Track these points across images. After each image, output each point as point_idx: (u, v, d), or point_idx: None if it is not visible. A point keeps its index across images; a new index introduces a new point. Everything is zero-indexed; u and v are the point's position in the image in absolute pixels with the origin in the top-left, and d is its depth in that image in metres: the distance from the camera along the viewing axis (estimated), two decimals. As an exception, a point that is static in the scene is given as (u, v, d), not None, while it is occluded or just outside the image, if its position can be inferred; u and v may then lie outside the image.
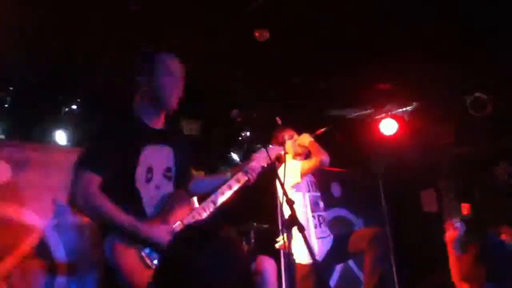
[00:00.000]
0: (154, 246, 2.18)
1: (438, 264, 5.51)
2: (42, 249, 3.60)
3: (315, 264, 2.12)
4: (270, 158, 2.63)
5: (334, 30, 4.31)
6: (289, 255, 2.15)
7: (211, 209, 2.44)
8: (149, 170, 2.36)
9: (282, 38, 4.37)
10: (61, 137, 4.45)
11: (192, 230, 1.59)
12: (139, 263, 2.16)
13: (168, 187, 2.43)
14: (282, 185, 2.31)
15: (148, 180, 2.35)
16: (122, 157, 2.27)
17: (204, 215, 2.41)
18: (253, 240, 4.94)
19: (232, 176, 2.61)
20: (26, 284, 3.50)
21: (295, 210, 2.17)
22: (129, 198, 2.28)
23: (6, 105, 4.33)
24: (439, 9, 4.11)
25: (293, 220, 2.13)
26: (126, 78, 2.47)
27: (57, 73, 4.47)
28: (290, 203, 2.19)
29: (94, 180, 2.19)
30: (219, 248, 1.37)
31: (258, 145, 2.77)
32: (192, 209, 2.42)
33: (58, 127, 4.53)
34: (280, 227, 4.53)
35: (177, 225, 2.33)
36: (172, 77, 2.42)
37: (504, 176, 5.31)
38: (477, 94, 5.21)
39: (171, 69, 2.42)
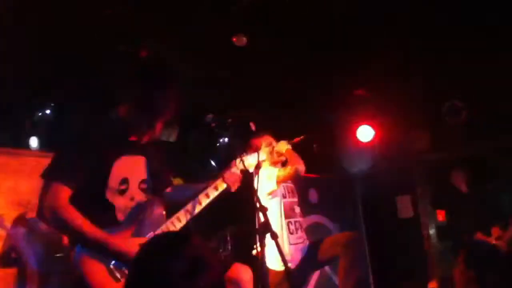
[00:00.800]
0: (124, 260, 2.10)
1: (414, 270, 5.57)
2: (12, 257, 3.51)
3: (288, 271, 2.10)
4: (244, 167, 2.60)
5: (311, 33, 4.35)
6: (262, 262, 2.12)
7: (187, 219, 2.38)
8: (124, 181, 2.29)
9: (260, 42, 4.39)
10: (33, 141, 4.37)
11: (162, 238, 1.56)
12: (108, 276, 2.10)
13: (143, 197, 2.38)
14: (254, 192, 2.30)
15: (122, 192, 2.28)
16: (93, 167, 2.18)
17: (179, 225, 2.35)
18: (229, 247, 4.91)
19: (210, 184, 2.54)
20: None
21: (267, 217, 2.16)
22: (101, 208, 2.21)
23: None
24: (414, 15, 4.17)
25: (266, 227, 2.13)
26: (120, 86, 2.43)
27: (31, 76, 4.40)
28: (263, 210, 2.18)
29: (63, 191, 2.10)
30: (190, 255, 1.34)
31: (236, 152, 2.70)
32: (166, 219, 2.36)
33: (31, 132, 4.44)
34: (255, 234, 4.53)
35: (150, 236, 2.28)
36: (173, 92, 2.35)
37: (462, 186, 5.37)
38: (452, 101, 5.29)
39: (173, 87, 2.36)
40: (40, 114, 4.48)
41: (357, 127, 5.82)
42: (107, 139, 2.25)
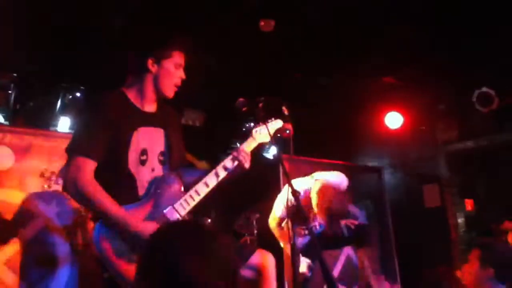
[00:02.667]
0: (139, 242, 2.11)
1: (440, 259, 5.50)
2: (44, 235, 3.59)
3: (320, 258, 2.09)
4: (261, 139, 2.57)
5: (339, 20, 4.30)
6: (292, 246, 2.10)
7: (197, 198, 2.37)
8: (143, 152, 2.31)
9: (286, 31, 4.36)
10: (64, 124, 4.44)
11: (176, 225, 1.56)
12: (125, 255, 2.13)
13: (160, 170, 2.38)
14: (285, 172, 2.26)
15: (143, 162, 2.29)
16: (113, 140, 2.21)
17: (192, 203, 2.34)
18: (255, 230, 4.94)
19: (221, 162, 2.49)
20: (29, 269, 3.50)
21: (299, 202, 2.15)
22: (122, 181, 2.23)
23: (9, 91, 4.31)
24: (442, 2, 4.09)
25: (298, 211, 2.11)
26: (131, 56, 2.41)
27: (61, 60, 4.47)
28: (295, 194, 2.16)
29: (86, 165, 2.13)
30: (204, 244, 1.33)
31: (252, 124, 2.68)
32: (183, 194, 2.35)
33: (62, 114, 4.52)
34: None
35: (168, 210, 2.29)
36: (178, 70, 2.40)
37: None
38: (483, 89, 5.18)
39: (179, 62, 2.41)
40: (70, 96, 4.54)
41: (386, 114, 5.74)
42: (121, 112, 2.28)
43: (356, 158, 5.89)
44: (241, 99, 2.55)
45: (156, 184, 2.30)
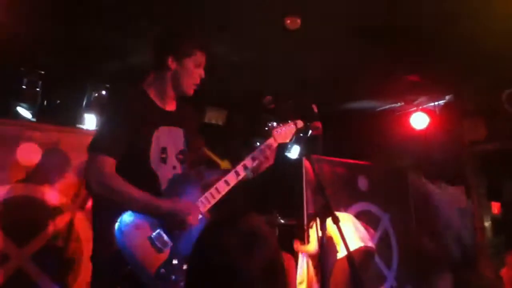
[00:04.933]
0: (175, 220, 2.14)
1: (466, 261, 5.40)
2: (70, 231, 3.63)
3: (349, 257, 2.04)
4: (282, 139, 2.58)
5: (363, 19, 4.24)
6: (322, 248, 2.04)
7: (218, 196, 2.37)
8: (163, 150, 2.32)
9: (313, 27, 4.31)
10: (90, 121, 4.48)
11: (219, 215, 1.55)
12: (150, 247, 2.12)
13: (181, 169, 2.39)
14: (312, 165, 2.21)
15: (164, 160, 2.31)
16: (134, 138, 2.22)
17: (213, 201, 2.35)
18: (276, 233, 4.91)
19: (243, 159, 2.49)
20: (54, 264, 3.55)
21: (328, 199, 2.10)
22: (145, 179, 2.23)
23: (37, 89, 4.37)
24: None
25: (327, 210, 2.06)
26: (152, 53, 2.41)
27: (86, 59, 4.51)
28: (323, 191, 2.12)
29: (107, 162, 2.14)
30: (246, 229, 1.33)
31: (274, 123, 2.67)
32: (203, 191, 2.35)
33: (87, 111, 4.56)
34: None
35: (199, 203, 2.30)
36: (198, 69, 2.41)
37: None
38: (512, 89, 5.07)
39: (199, 61, 2.41)
40: (96, 94, 4.58)
41: (411, 114, 5.66)
42: (143, 109, 2.29)
43: (381, 159, 5.81)
44: (268, 97, 2.52)
45: (176, 181, 2.32)
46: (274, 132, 2.59)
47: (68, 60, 4.50)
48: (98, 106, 4.61)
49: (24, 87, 4.34)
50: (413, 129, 5.73)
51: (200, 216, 2.26)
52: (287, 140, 2.62)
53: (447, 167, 5.95)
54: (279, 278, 1.33)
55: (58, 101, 4.67)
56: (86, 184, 2.21)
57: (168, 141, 2.34)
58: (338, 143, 5.16)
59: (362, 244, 4.09)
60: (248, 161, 2.46)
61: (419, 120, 5.67)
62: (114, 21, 3.99)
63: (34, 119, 4.24)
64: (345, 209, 5.33)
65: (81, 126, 4.48)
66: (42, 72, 4.44)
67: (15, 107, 4.36)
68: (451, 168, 5.95)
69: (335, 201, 5.21)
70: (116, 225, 2.10)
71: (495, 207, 5.82)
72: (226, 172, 2.42)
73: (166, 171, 2.30)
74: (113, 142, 2.17)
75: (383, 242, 5.61)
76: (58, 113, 4.59)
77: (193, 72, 2.38)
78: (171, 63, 2.34)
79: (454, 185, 5.96)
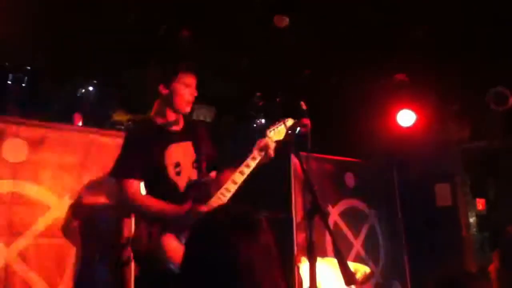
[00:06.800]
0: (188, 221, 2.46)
1: (451, 259, 5.47)
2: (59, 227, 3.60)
3: (339, 256, 2.04)
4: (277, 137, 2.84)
5: (350, 18, 4.27)
6: (311, 248, 2.04)
7: (234, 189, 2.67)
8: (177, 164, 2.71)
9: (299, 28, 4.34)
10: (77, 117, 4.44)
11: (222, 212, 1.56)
12: (180, 245, 2.49)
13: (196, 176, 2.77)
14: (300, 162, 2.26)
15: (178, 173, 2.70)
16: (150, 159, 2.65)
17: (228, 195, 2.64)
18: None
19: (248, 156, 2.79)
20: (41, 261, 3.52)
21: (317, 197, 2.11)
22: (168, 191, 2.65)
23: (23, 85, 4.32)
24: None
25: (315, 207, 2.07)
26: (150, 86, 2.91)
27: (74, 54, 4.47)
28: (313, 189, 2.13)
29: (131, 184, 2.61)
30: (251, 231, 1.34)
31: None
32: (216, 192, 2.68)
33: (74, 108, 4.53)
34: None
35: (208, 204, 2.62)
36: (188, 89, 2.75)
37: None
38: (498, 88, 5.13)
39: (187, 82, 2.75)
40: (83, 90, 4.55)
41: (398, 111, 5.71)
42: (151, 135, 2.72)
43: (367, 156, 5.85)
44: (258, 94, 2.61)
45: (192, 187, 2.71)
46: (268, 132, 2.86)
47: (55, 56, 4.46)
48: (85, 102, 4.59)
49: (9, 82, 4.30)
50: (400, 127, 5.78)
51: None
52: (281, 138, 2.86)
53: (433, 164, 6.01)
54: (274, 263, 1.33)
55: (44, 98, 4.62)
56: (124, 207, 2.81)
57: (179, 156, 2.73)
58: (324, 140, 5.18)
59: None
60: (249, 161, 2.77)
61: (406, 118, 5.71)
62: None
63: (20, 115, 4.19)
64: (333, 205, 5.37)
65: (68, 122, 4.44)
66: (28, 68, 4.39)
67: (0, 104, 4.31)
68: (437, 165, 6.02)
69: (323, 198, 5.25)
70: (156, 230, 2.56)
71: (480, 204, 5.90)
72: (232, 172, 2.75)
73: (183, 181, 2.71)
74: (130, 166, 2.65)
75: (369, 239, 5.65)
76: (44, 109, 4.55)
77: (183, 92, 2.72)
78: (162, 89, 2.73)
79: (441, 182, 6.02)
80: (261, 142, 2.80)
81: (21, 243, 3.46)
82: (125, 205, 2.75)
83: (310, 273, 1.97)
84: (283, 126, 2.85)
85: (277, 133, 2.85)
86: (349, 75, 5.28)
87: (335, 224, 5.35)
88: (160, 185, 2.68)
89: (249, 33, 4.41)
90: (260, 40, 4.49)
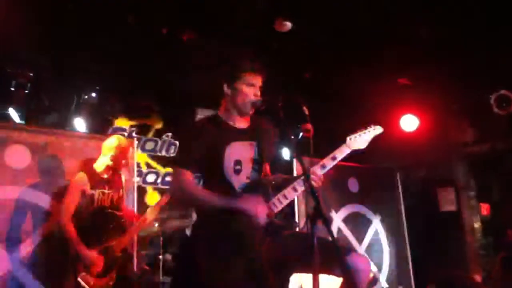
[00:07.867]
0: (250, 215, 2.45)
1: (455, 263, 5.44)
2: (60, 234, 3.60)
3: (341, 259, 2.02)
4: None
5: (351, 23, 4.28)
6: (314, 249, 2.02)
7: (285, 202, 2.58)
8: (237, 162, 2.64)
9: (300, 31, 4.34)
10: (79, 123, 4.45)
11: None
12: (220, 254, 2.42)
13: (256, 176, 2.70)
14: (303, 168, 2.24)
15: (237, 172, 2.63)
16: (208, 153, 2.59)
17: (280, 206, 2.57)
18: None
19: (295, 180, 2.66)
20: (46, 265, 3.53)
21: (319, 201, 2.09)
22: (222, 188, 2.57)
23: (26, 91, 4.33)
24: (464, 4, 4.05)
25: (319, 212, 2.05)
26: (215, 83, 2.77)
27: (76, 61, 4.49)
28: (315, 193, 2.11)
29: (186, 174, 2.57)
30: None
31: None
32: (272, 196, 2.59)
33: (76, 114, 4.54)
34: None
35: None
36: (251, 88, 2.67)
37: None
38: (502, 92, 5.11)
39: (251, 82, 2.67)
40: (86, 97, 4.56)
41: (401, 116, 5.69)
42: (214, 131, 2.65)
43: (370, 161, 5.82)
44: (260, 98, 2.58)
45: (248, 188, 2.62)
46: (348, 139, 2.76)
47: (58, 63, 4.48)
48: (87, 108, 4.60)
49: (12, 89, 4.31)
50: (403, 131, 5.75)
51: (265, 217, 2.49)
52: (362, 148, 2.77)
53: (436, 169, 5.99)
54: None
55: (47, 104, 4.63)
56: (171, 197, 2.82)
57: (241, 154, 2.66)
58: (326, 145, 5.17)
59: None
60: (298, 184, 2.61)
61: (408, 123, 5.69)
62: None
63: (22, 122, 4.20)
64: (336, 211, 5.35)
65: (71, 128, 4.45)
66: (31, 74, 4.41)
67: (3, 110, 4.32)
68: (440, 170, 5.99)
69: (326, 203, 5.23)
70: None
71: (484, 209, 5.86)
72: (296, 178, 2.64)
73: (240, 181, 2.63)
74: (189, 158, 2.61)
75: (373, 244, 5.62)
76: (47, 115, 4.57)
77: (245, 92, 2.65)
78: (227, 89, 2.69)
79: (444, 186, 5.99)
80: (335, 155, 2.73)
81: (25, 248, 3.46)
82: (175, 194, 2.68)
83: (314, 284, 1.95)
84: (367, 133, 2.77)
85: (357, 141, 2.76)
86: (352, 80, 5.27)
87: (339, 230, 5.33)
88: (217, 180, 2.62)
89: (249, 33, 4.41)
90: (261, 42, 4.49)
